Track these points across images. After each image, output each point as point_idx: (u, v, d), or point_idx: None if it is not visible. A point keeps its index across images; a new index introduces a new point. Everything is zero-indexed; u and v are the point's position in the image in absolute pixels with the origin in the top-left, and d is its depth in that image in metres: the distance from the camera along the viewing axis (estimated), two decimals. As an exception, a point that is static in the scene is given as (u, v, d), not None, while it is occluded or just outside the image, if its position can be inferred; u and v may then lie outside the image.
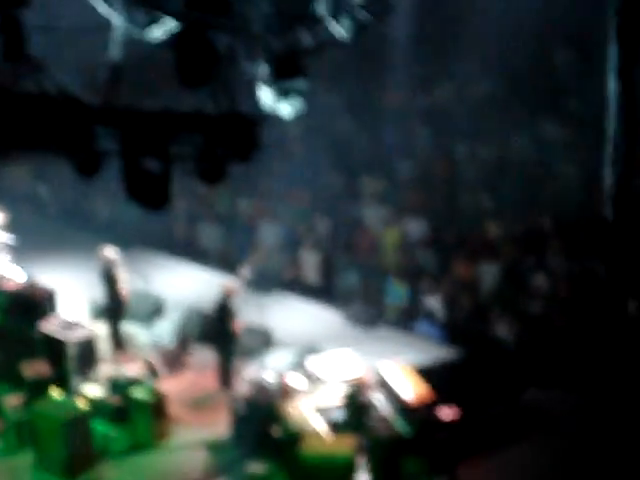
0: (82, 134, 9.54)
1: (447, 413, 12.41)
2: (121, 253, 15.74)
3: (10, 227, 17.05)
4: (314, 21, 11.65)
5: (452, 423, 12.50)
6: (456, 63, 21.49)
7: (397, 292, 16.65)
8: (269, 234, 18.29)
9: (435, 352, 15.31)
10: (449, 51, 21.20)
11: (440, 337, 15.89)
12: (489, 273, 16.33)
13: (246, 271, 17.37)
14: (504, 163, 18.70)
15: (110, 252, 15.55)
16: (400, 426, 12.56)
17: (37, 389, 13.18)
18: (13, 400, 13.48)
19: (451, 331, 15.91)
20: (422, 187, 18.69)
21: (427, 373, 13.59)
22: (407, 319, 16.39)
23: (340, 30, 11.32)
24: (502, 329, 15.49)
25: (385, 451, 11.82)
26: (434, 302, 16.21)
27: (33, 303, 14.58)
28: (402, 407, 12.93)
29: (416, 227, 17.57)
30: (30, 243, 17.55)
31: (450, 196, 18.36)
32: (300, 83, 11.64)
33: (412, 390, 13.07)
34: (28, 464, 12.84)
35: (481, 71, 21.04)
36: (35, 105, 9.33)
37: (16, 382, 13.97)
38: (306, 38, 11.50)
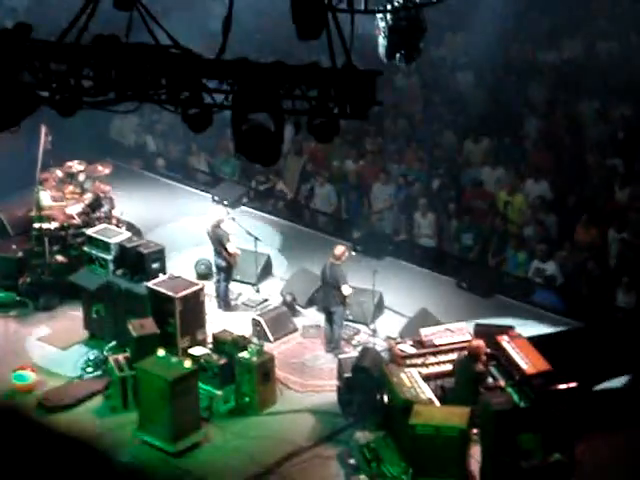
0: (193, 87, 9.50)
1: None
2: (229, 211, 15.78)
3: (117, 180, 17.28)
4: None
5: (571, 396, 12.21)
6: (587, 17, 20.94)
7: (517, 259, 16.30)
8: (381, 195, 18.09)
9: (554, 322, 15.00)
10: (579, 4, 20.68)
11: (560, 306, 15.51)
12: (616, 241, 15.85)
13: (357, 233, 17.27)
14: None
15: (219, 210, 15.60)
16: (515, 398, 12.32)
17: (143, 347, 13.31)
18: (118, 357, 13.66)
19: (572, 300, 15.52)
20: (546, 147, 18.21)
21: (545, 343, 13.30)
22: (526, 287, 16.04)
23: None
24: (627, 299, 15.05)
25: (500, 424, 11.59)
26: (555, 269, 15.81)
27: (141, 259, 14.71)
28: (518, 378, 12.68)
29: (538, 190, 17.14)
30: (137, 197, 17.76)
31: (576, 157, 17.85)
32: (419, 36, 11.40)
33: (529, 361, 12.80)
34: (132, 423, 13.01)
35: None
36: (146, 55, 9.32)
37: (122, 339, 14.16)
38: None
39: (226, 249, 15.38)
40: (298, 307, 15.67)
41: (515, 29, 21.63)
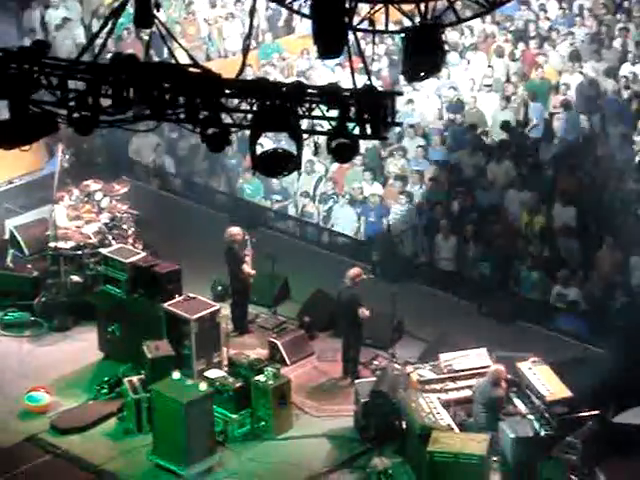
0: (212, 106, 9.58)
1: None
2: (246, 232, 15.79)
3: (134, 199, 17.33)
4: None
5: (593, 423, 12.16)
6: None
7: (531, 278, 16.24)
8: (400, 217, 18.07)
9: (576, 348, 14.94)
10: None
11: (582, 332, 15.44)
12: (638, 266, 15.80)
13: (376, 256, 17.25)
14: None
15: (235, 231, 15.62)
16: (536, 425, 12.28)
17: (158, 368, 13.33)
18: (133, 379, 13.68)
19: (595, 326, 15.45)
20: (569, 171, 18.16)
21: (567, 370, 13.25)
22: (547, 312, 15.98)
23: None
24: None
25: (520, 452, 11.55)
26: (577, 295, 15.76)
27: (157, 280, 14.75)
28: (539, 405, 12.64)
29: (561, 214, 17.10)
30: (155, 217, 17.79)
31: (600, 182, 17.79)
32: (437, 57, 11.42)
33: (550, 387, 12.76)
34: (146, 447, 13.02)
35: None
36: (165, 74, 9.40)
37: (137, 360, 14.18)
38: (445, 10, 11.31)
39: (242, 270, 15.41)
40: (315, 330, 15.66)
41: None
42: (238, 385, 13.43)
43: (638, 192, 17.34)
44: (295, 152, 10.02)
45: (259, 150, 10.14)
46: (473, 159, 19.00)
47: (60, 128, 9.66)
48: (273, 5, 21.41)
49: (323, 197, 18.86)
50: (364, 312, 14.33)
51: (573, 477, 11.86)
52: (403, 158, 19.18)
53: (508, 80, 20.55)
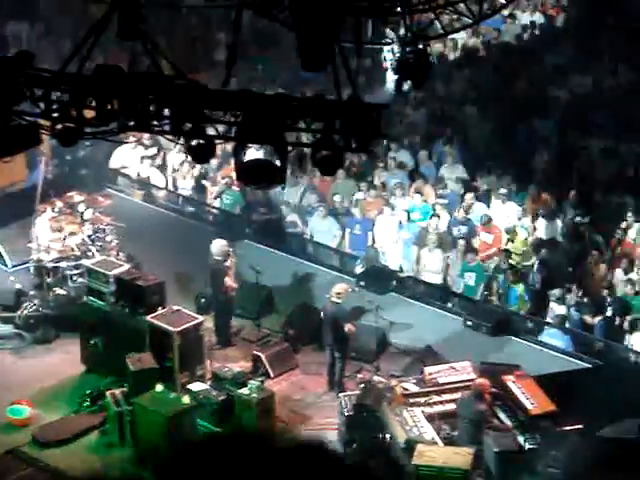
0: (197, 118, 9.59)
1: None
2: (230, 244, 15.79)
3: (118, 212, 17.31)
4: (441, 6, 11.50)
5: (577, 438, 12.18)
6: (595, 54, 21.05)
7: (515, 291, 16.30)
8: (386, 230, 18.11)
9: (561, 362, 14.98)
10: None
11: (568, 346, 15.47)
12: (622, 282, 15.85)
13: (361, 268, 17.25)
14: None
15: (219, 243, 15.62)
16: (520, 439, 12.29)
17: (141, 381, 13.30)
18: (115, 392, 13.64)
19: (580, 340, 15.49)
20: (555, 184, 18.25)
21: (551, 383, 13.28)
22: (532, 326, 16.01)
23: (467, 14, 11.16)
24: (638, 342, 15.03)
25: (504, 466, 11.56)
26: (563, 308, 15.80)
27: (141, 292, 14.73)
28: (523, 419, 12.65)
29: (547, 227, 17.16)
30: (139, 229, 17.77)
31: (586, 195, 17.87)
32: (425, 70, 11.49)
33: (534, 401, 12.78)
34: (129, 460, 12.97)
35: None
36: (150, 86, 9.40)
37: (120, 373, 14.14)
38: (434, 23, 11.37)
39: (225, 283, 15.41)
40: (299, 343, 15.65)
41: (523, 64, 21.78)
42: (221, 398, 13.41)
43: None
44: (279, 164, 10.03)
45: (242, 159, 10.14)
46: (459, 170, 19.07)
47: (43, 141, 9.64)
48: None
49: (307, 209, 18.88)
50: (350, 328, 14.33)
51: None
52: (388, 169, 19.24)
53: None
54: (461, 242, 17.30)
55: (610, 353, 15.22)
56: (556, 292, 15.82)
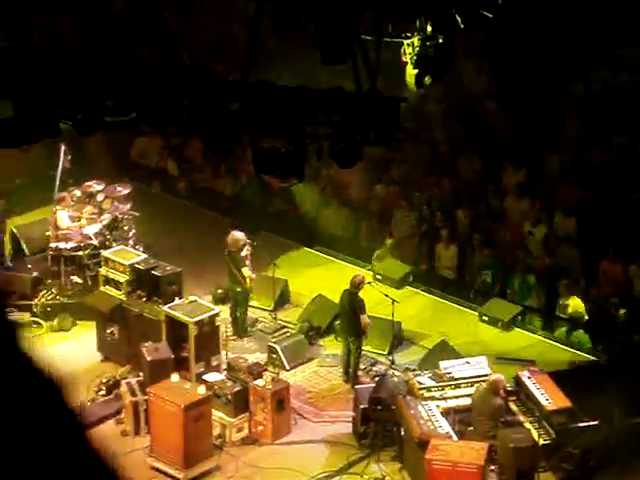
0: (216, 109, 9.60)
1: None
2: (247, 235, 15.80)
3: (136, 202, 17.34)
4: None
5: (592, 432, 12.17)
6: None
7: (528, 282, 16.25)
8: (403, 223, 18.07)
9: (576, 357, 14.95)
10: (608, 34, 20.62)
11: (584, 341, 15.44)
12: (638, 277, 15.80)
13: (377, 261, 17.25)
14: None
15: (236, 234, 15.64)
16: (535, 435, 12.29)
17: (157, 371, 13.35)
18: (131, 381, 13.70)
19: (596, 336, 15.47)
20: (572, 180, 18.17)
21: (566, 378, 13.26)
22: (546, 321, 15.99)
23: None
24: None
25: (519, 460, 11.56)
26: (578, 302, 15.75)
27: (157, 282, 14.78)
28: (538, 414, 12.65)
29: (563, 223, 17.11)
30: (156, 220, 17.82)
31: (604, 191, 17.79)
32: (445, 64, 11.46)
33: (549, 397, 12.77)
34: (143, 449, 13.03)
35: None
36: (170, 76, 9.42)
37: (136, 363, 14.20)
38: (456, 18, 11.33)
39: (242, 274, 15.43)
40: (315, 335, 15.67)
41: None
42: (237, 389, 13.45)
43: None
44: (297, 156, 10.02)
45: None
46: (478, 165, 19.01)
47: (62, 130, 9.67)
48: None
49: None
50: (365, 319, 14.33)
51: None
52: (407, 162, 19.17)
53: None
54: (476, 236, 17.24)
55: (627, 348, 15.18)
56: (569, 284, 15.78)
